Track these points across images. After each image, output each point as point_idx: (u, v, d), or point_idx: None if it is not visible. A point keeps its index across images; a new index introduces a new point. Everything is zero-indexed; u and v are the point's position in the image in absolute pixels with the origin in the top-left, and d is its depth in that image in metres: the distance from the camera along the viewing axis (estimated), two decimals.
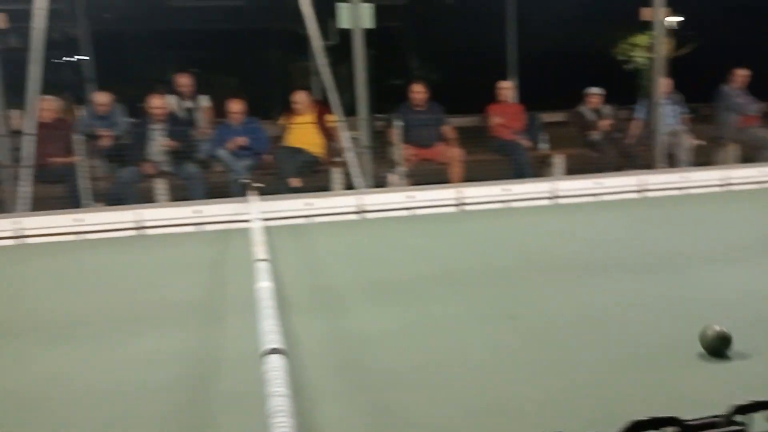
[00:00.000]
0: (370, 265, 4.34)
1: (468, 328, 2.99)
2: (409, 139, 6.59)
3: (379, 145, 6.61)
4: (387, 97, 8.48)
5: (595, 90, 7.59)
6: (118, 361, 2.76)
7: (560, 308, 3.20)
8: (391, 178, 6.52)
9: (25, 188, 5.74)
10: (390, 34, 9.49)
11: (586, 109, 7.58)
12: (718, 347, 2.49)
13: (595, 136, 7.35)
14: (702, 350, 2.52)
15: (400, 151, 6.50)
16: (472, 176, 6.57)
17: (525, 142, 7.02)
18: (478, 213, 6.06)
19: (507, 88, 7.44)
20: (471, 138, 7.08)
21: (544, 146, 7.31)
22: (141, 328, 3.18)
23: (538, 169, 7.06)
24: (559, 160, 7.06)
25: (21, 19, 6.19)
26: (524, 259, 4.28)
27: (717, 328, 2.51)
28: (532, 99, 7.78)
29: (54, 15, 6.03)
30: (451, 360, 2.63)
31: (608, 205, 6.25)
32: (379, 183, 6.45)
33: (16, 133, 6.03)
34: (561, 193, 6.38)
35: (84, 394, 2.45)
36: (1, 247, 5.41)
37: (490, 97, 7.34)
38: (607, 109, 7.60)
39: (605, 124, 7.39)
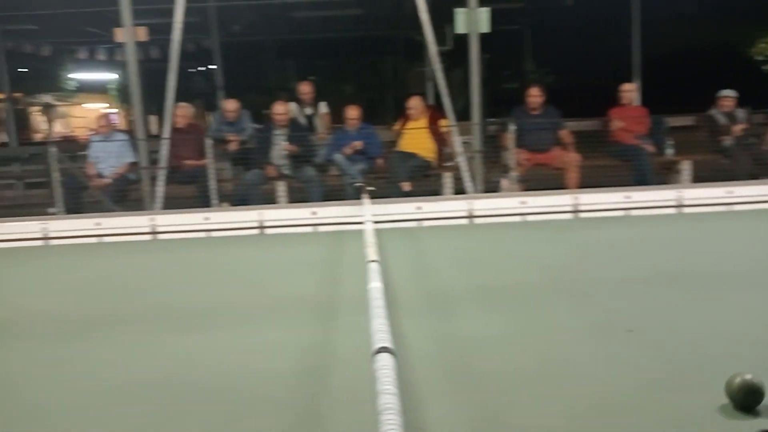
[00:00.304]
0: (480, 270, 4.32)
1: (578, 337, 2.90)
2: (523, 143, 6.47)
3: (492, 149, 6.55)
4: (501, 101, 8.37)
5: (728, 92, 7.09)
6: (239, 350, 2.94)
7: (679, 322, 3.03)
8: (504, 183, 6.43)
9: (161, 188, 6.23)
10: (505, 37, 9.35)
11: (717, 113, 7.09)
12: (744, 400, 2.11)
13: (728, 141, 6.86)
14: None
15: (513, 155, 6.40)
16: (590, 182, 6.34)
17: (648, 147, 6.68)
18: (595, 220, 5.85)
19: (629, 91, 7.12)
20: (590, 142, 6.82)
21: (669, 152, 6.91)
22: (260, 321, 3.37)
23: (662, 175, 6.69)
24: (686, 167, 6.65)
25: (160, 32, 6.74)
26: (644, 269, 4.06)
27: (747, 377, 2.11)
28: (657, 102, 7.39)
29: (189, 28, 6.51)
30: (557, 368, 2.57)
31: (740, 215, 5.83)
32: (491, 188, 6.38)
33: (154, 137, 6.56)
34: (688, 202, 6.01)
35: (210, 379, 2.64)
36: (138, 242, 5.90)
37: (611, 100, 7.06)
38: (741, 113, 7.07)
39: (739, 128, 6.87)
